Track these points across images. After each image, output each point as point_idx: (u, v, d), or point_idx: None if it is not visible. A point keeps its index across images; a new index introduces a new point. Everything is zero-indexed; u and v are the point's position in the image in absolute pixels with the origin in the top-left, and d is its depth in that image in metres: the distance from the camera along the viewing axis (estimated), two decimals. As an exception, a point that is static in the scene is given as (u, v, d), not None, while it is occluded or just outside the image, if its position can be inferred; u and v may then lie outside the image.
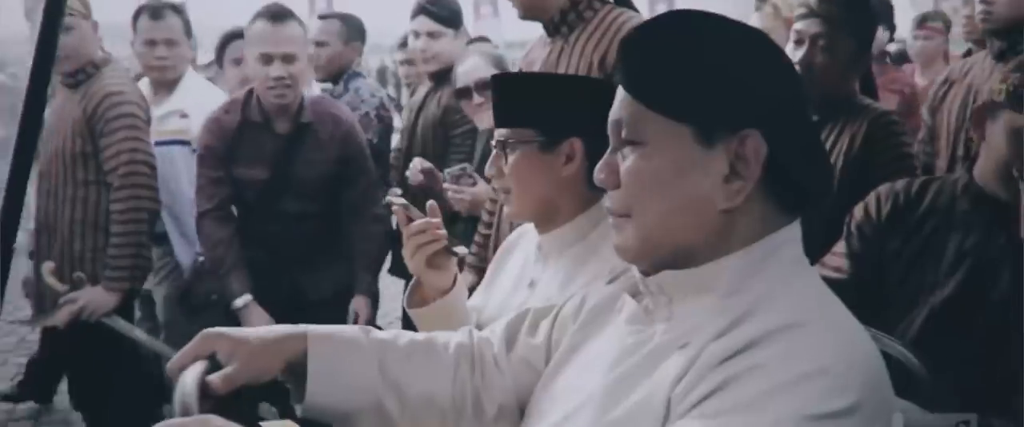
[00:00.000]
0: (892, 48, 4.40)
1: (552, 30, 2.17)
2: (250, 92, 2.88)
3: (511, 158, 1.58)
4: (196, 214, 2.92)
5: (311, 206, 2.89)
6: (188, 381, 1.06)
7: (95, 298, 2.80)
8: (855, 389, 0.90)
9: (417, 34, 3.39)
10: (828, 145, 2.18)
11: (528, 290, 1.63)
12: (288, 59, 2.76)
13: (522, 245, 1.76)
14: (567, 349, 1.17)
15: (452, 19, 3.39)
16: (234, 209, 2.95)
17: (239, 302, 2.82)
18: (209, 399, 1.07)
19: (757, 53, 1.03)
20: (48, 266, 2.84)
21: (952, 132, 2.55)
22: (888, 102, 3.41)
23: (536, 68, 2.19)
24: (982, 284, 1.69)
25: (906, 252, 1.79)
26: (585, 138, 1.53)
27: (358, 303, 2.92)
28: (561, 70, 2.10)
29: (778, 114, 1.01)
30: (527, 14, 2.20)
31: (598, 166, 1.08)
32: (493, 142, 1.63)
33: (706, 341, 0.97)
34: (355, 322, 2.91)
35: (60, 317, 2.80)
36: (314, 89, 4.83)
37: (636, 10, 2.20)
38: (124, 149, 2.82)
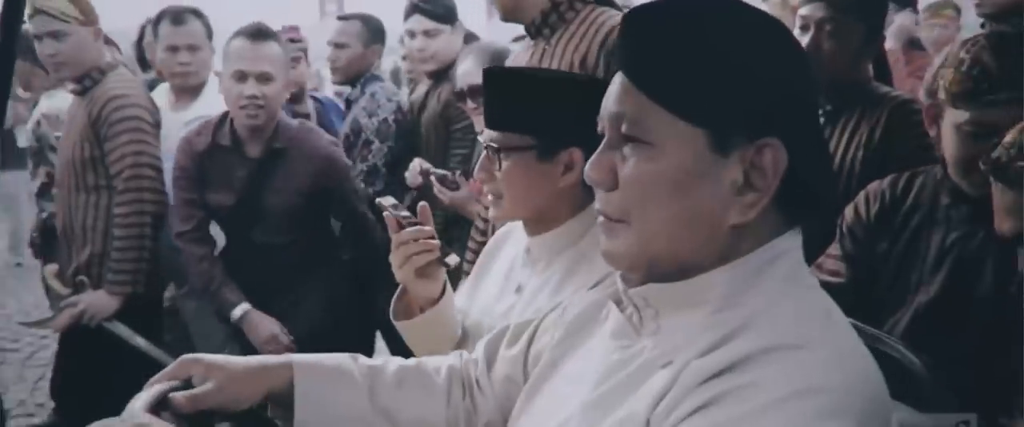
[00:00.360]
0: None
1: (534, 32, 2.15)
2: (225, 114, 2.80)
3: (505, 164, 1.49)
4: (174, 234, 2.85)
5: (282, 237, 2.77)
6: (141, 396, 1.05)
7: (96, 302, 2.81)
8: (853, 413, 0.83)
9: (413, 34, 3.34)
10: (846, 136, 2.10)
11: (515, 295, 1.57)
12: (263, 79, 2.67)
13: (509, 245, 1.68)
14: (548, 363, 1.11)
15: (447, 15, 3.33)
16: (214, 232, 2.88)
17: (238, 312, 2.75)
18: (176, 418, 1.05)
19: (780, 51, 0.93)
20: (50, 269, 2.87)
21: None
22: (918, 89, 3.34)
23: None
24: (966, 281, 1.65)
25: (895, 251, 1.75)
26: (586, 148, 1.43)
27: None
28: None
29: (798, 122, 0.93)
30: (508, 16, 2.17)
31: (590, 163, 0.97)
32: (481, 137, 1.55)
33: (690, 358, 0.90)
34: None
35: (60, 321, 2.81)
36: (327, 91, 4.81)
37: (618, 8, 2.16)
38: (128, 152, 2.82)
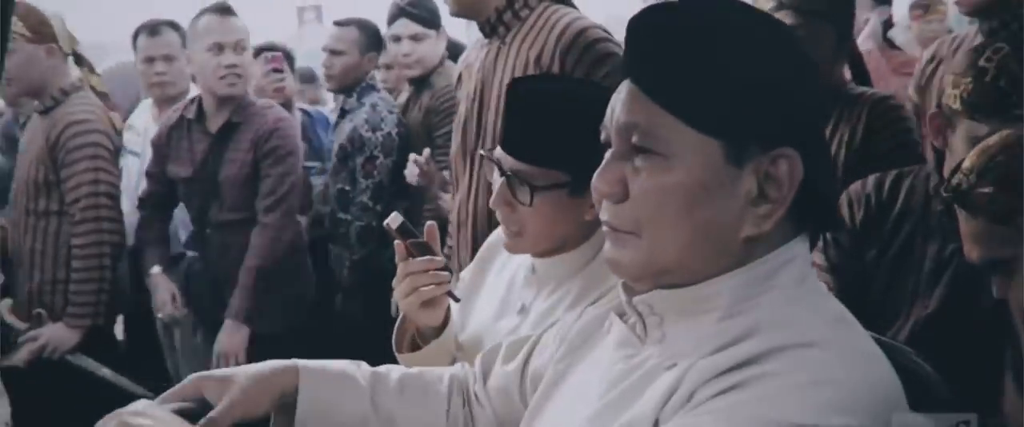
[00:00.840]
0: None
1: (488, 31, 2.09)
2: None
3: (537, 200, 1.38)
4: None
5: (236, 213, 2.79)
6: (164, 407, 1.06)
7: (57, 335, 2.71)
8: (860, 412, 0.80)
9: (398, 38, 3.29)
10: (825, 139, 2.03)
11: (518, 316, 1.48)
12: (239, 48, 2.78)
13: (503, 255, 1.59)
14: (551, 380, 1.07)
15: (432, 20, 3.27)
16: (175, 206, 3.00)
17: (153, 270, 2.89)
18: None
19: (793, 58, 0.90)
20: (6, 304, 2.76)
21: None
22: (904, 86, 3.28)
23: (474, 71, 2.11)
24: (967, 296, 1.55)
25: (886, 259, 1.66)
26: None
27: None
28: (499, 72, 2.02)
29: (810, 130, 0.91)
30: (461, 12, 2.11)
31: (599, 174, 0.92)
32: (491, 154, 1.44)
33: (697, 359, 0.87)
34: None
35: (20, 356, 2.70)
36: (313, 99, 4.73)
37: (574, 6, 2.10)
38: (85, 181, 2.73)
